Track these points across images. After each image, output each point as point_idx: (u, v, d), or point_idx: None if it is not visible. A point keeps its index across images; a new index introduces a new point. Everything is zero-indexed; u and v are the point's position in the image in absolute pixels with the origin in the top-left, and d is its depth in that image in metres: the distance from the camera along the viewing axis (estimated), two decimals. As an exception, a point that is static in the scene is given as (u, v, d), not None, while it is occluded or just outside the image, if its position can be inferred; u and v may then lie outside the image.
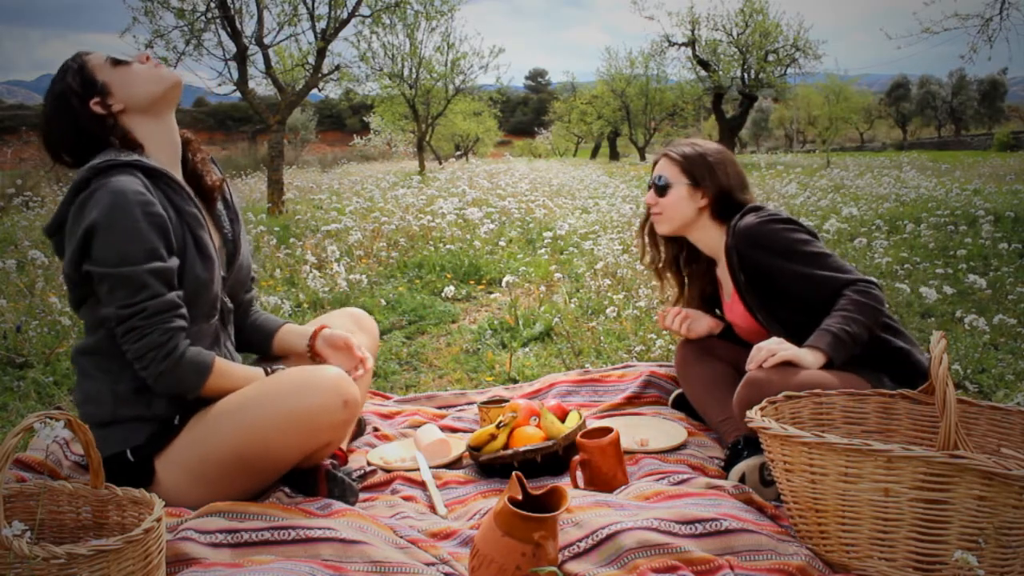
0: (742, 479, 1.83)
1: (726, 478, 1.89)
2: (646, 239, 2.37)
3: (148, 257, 1.63)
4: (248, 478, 1.74)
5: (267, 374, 1.80)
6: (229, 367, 1.76)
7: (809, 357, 1.87)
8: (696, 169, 2.17)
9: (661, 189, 2.20)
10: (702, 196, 2.17)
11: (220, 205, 1.92)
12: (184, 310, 1.69)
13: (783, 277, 2.02)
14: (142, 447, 1.71)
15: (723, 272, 2.24)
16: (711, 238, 2.21)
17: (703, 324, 2.32)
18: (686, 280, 2.38)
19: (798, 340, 1.92)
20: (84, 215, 1.63)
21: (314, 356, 2.03)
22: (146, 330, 1.64)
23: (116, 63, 1.77)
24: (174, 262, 1.68)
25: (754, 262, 2.05)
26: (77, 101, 1.74)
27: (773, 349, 1.89)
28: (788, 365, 1.86)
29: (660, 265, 2.38)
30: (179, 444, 1.72)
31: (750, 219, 2.07)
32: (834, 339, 1.88)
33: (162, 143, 1.80)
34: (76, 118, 1.75)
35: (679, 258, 2.36)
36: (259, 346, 2.09)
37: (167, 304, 1.65)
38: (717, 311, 2.39)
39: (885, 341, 2.00)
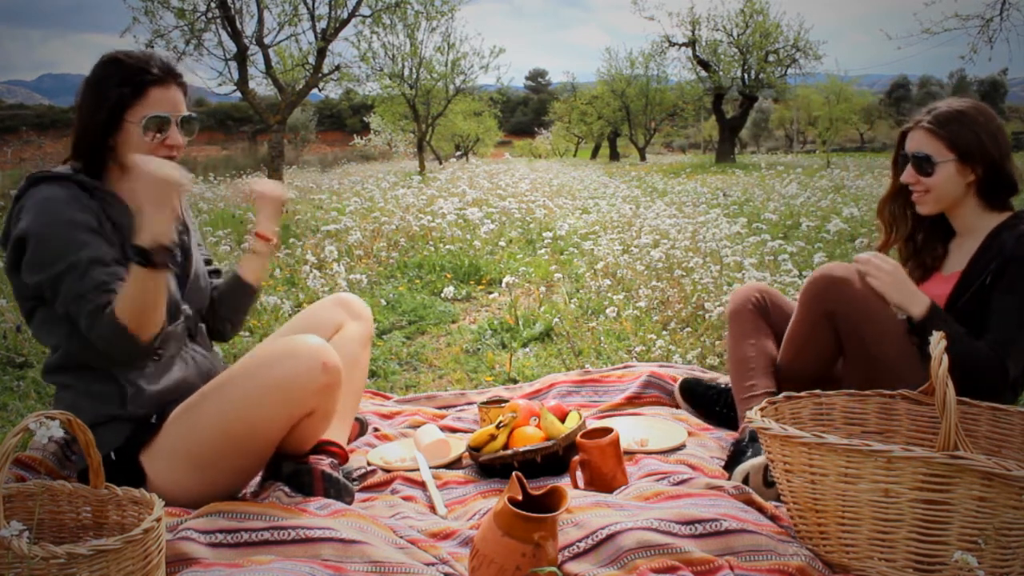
0: (745, 479, 1.82)
1: (728, 476, 1.89)
2: (889, 217, 2.11)
3: (76, 250, 1.64)
4: (238, 457, 1.74)
5: (136, 254, 1.59)
6: (122, 291, 1.62)
7: (906, 307, 1.87)
8: (964, 141, 1.90)
9: (923, 167, 1.94)
10: (971, 171, 1.92)
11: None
12: (110, 286, 1.64)
13: (1001, 307, 1.85)
14: (122, 447, 1.72)
15: (959, 248, 2.02)
16: (972, 216, 1.97)
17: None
18: (915, 252, 2.11)
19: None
20: (14, 225, 1.68)
21: (260, 237, 2.01)
22: (84, 317, 1.62)
23: (147, 130, 1.74)
24: (104, 251, 1.67)
25: (1012, 278, 1.84)
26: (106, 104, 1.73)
27: (886, 279, 1.89)
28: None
29: (888, 243, 2.14)
30: (165, 436, 1.73)
31: None
32: (945, 323, 1.82)
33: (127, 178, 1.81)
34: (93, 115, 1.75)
35: (917, 232, 2.09)
36: (236, 298, 2.03)
37: (89, 287, 1.62)
38: None
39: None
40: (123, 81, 1.73)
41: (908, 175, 1.98)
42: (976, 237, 1.96)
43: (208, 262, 2.07)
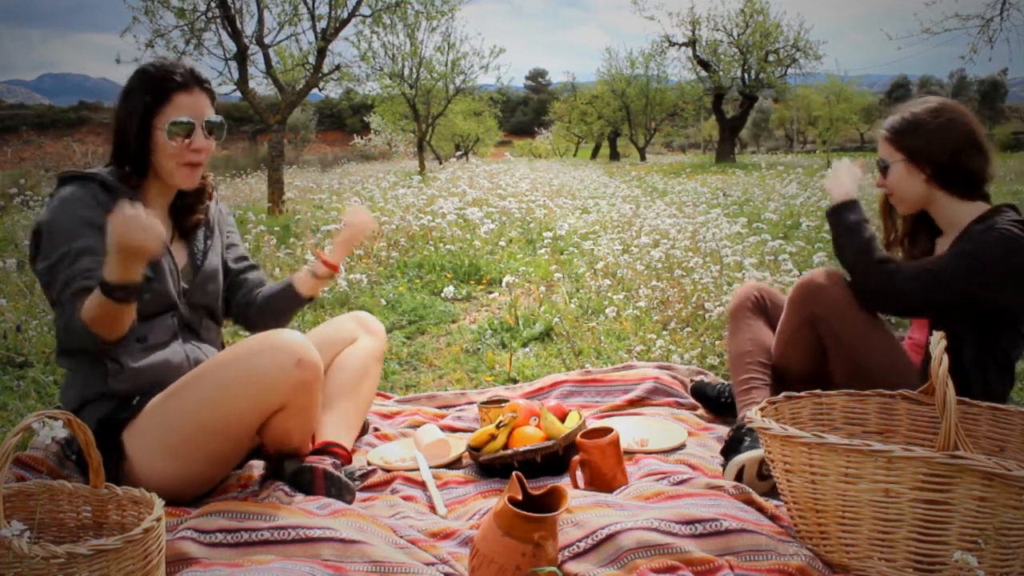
0: (741, 470, 1.84)
1: (723, 464, 1.90)
2: (883, 219, 2.23)
3: (72, 241, 1.71)
4: (212, 447, 1.77)
5: (102, 289, 1.57)
6: (88, 299, 1.63)
7: (829, 191, 2.13)
8: (909, 142, 1.99)
9: (883, 170, 2.06)
10: (920, 170, 1.99)
11: (200, 230, 2.00)
12: (95, 272, 1.65)
13: (982, 298, 1.88)
14: (106, 420, 1.76)
15: (942, 245, 2.07)
16: (950, 211, 2.01)
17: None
18: (908, 249, 2.18)
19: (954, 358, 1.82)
20: (39, 217, 1.78)
21: (328, 264, 2.06)
22: (67, 302, 1.68)
23: (172, 135, 1.80)
24: (97, 244, 1.69)
25: (977, 267, 1.86)
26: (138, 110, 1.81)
27: (830, 174, 2.14)
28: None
29: (890, 242, 2.21)
30: (145, 418, 1.77)
31: (1012, 227, 1.86)
32: (859, 216, 2.04)
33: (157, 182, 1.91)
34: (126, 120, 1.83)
35: (913, 233, 2.16)
36: (284, 302, 2.08)
37: (75, 272, 1.68)
38: None
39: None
40: (149, 89, 1.81)
41: (878, 179, 2.11)
42: (957, 231, 2.01)
43: (243, 258, 2.13)
